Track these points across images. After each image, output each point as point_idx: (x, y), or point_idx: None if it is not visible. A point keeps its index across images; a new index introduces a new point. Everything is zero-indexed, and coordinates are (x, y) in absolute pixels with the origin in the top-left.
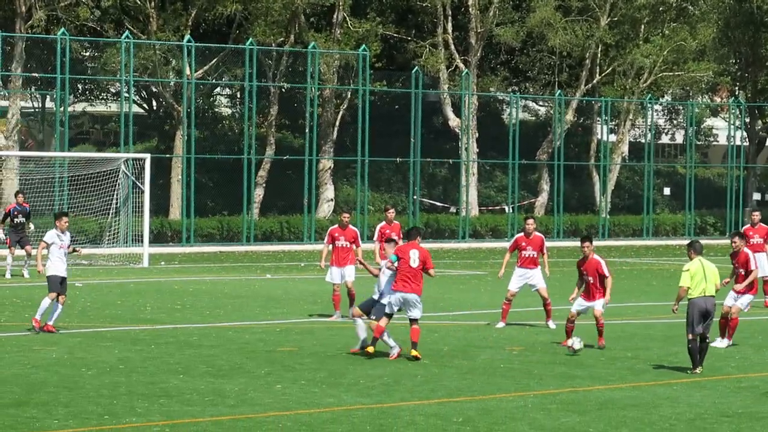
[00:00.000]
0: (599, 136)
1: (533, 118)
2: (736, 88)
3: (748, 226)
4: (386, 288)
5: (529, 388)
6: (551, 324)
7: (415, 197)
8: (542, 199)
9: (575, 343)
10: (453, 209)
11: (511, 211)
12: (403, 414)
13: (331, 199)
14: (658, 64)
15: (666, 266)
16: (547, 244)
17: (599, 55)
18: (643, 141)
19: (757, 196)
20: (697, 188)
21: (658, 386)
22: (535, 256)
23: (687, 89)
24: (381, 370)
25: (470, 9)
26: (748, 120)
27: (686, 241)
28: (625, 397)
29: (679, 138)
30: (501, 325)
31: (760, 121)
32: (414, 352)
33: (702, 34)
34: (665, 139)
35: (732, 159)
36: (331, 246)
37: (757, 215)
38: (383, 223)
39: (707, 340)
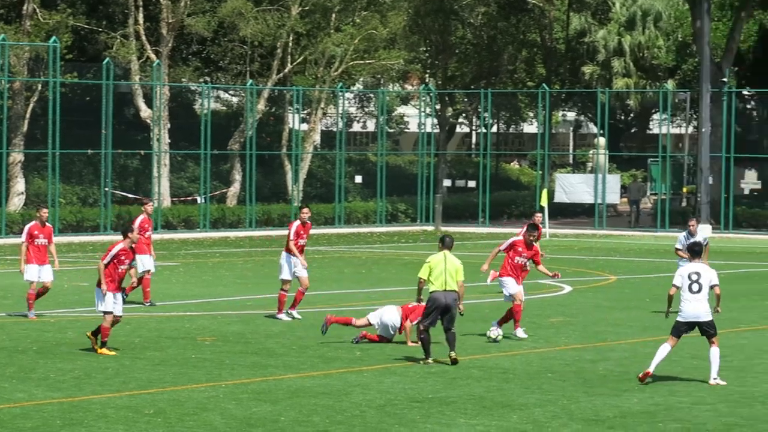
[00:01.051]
0: (291, 125)
1: (225, 108)
2: (427, 75)
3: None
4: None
5: (220, 378)
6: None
7: (106, 189)
8: (234, 188)
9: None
10: (200, 200)
11: (203, 201)
12: (94, 407)
13: (22, 193)
14: (350, 52)
15: (358, 254)
16: (240, 234)
17: (291, 44)
18: (334, 129)
19: (447, 182)
20: (389, 176)
21: (349, 373)
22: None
23: (378, 77)
24: (71, 364)
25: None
26: (438, 107)
27: (378, 229)
28: (317, 385)
29: (371, 126)
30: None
31: (450, 108)
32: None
33: (392, 22)
34: (357, 128)
35: (423, 146)
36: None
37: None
38: (298, 222)
39: (451, 330)
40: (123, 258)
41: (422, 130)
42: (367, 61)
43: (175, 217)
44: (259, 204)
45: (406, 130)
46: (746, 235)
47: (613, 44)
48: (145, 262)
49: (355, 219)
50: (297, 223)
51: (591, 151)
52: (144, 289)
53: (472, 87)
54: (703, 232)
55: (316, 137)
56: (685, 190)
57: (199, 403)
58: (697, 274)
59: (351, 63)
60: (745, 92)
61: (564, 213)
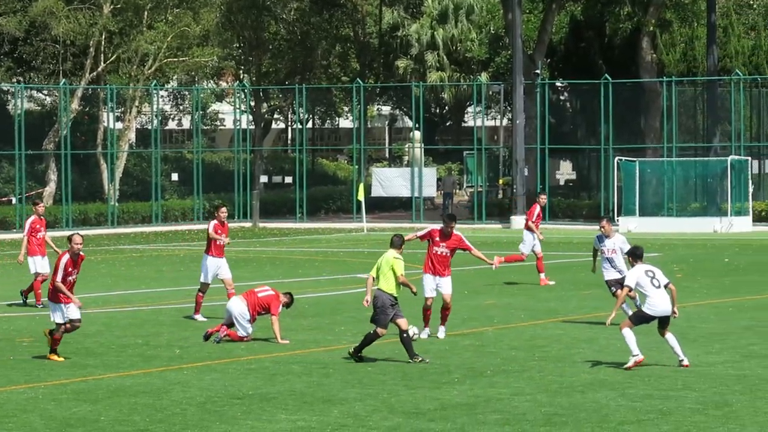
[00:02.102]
0: (106, 124)
1: (39, 107)
2: (241, 72)
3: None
4: None
5: (39, 378)
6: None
7: None
8: (50, 188)
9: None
10: (15, 200)
11: (18, 202)
12: None
13: None
14: (163, 50)
15: (175, 251)
16: (56, 234)
17: (103, 42)
18: (150, 127)
19: (264, 178)
20: (205, 173)
21: (169, 371)
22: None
23: (192, 75)
24: None
25: None
26: (253, 103)
27: (195, 227)
28: (137, 383)
29: (186, 123)
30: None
31: (265, 105)
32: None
33: (205, 19)
34: (172, 125)
35: (239, 143)
36: None
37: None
38: (215, 222)
39: (405, 334)
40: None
41: (238, 127)
42: (181, 59)
43: None
44: (76, 203)
45: (222, 127)
46: (562, 226)
47: (426, 38)
48: (37, 264)
49: (173, 217)
50: (214, 222)
51: (407, 145)
52: (35, 291)
53: (287, 83)
54: (621, 231)
55: (132, 135)
56: (501, 182)
57: (18, 404)
58: (652, 272)
59: (165, 61)
60: (558, 84)
61: (381, 207)
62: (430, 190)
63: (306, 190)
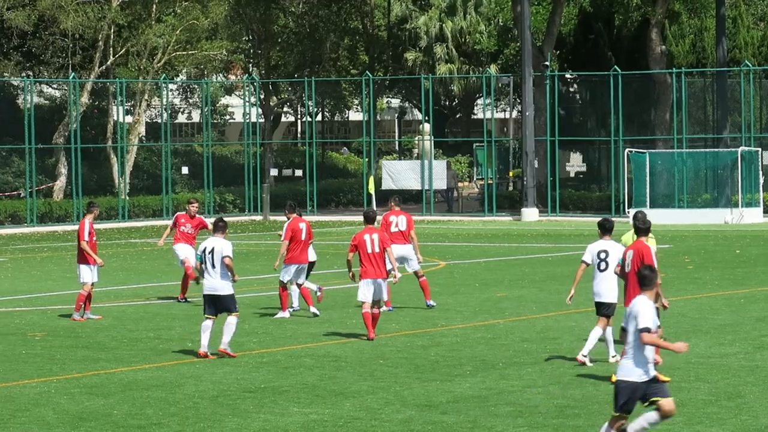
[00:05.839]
0: (116, 118)
1: (49, 102)
2: (250, 65)
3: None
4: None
5: (52, 373)
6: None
7: None
8: (61, 182)
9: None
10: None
11: (29, 196)
12: None
13: None
14: (172, 43)
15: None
16: (68, 228)
17: (112, 36)
18: (159, 121)
19: (274, 171)
20: (215, 166)
21: (182, 365)
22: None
23: (201, 68)
24: None
25: None
26: (262, 97)
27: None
28: (149, 377)
29: (196, 117)
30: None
31: (274, 98)
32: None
33: (214, 12)
34: (182, 119)
35: (248, 136)
36: None
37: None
38: (182, 213)
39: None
40: None
41: (247, 120)
42: (190, 52)
43: (2, 213)
44: (86, 197)
45: (232, 121)
46: (573, 218)
47: (435, 30)
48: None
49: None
50: (181, 213)
51: (416, 138)
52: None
53: (296, 76)
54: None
55: (141, 129)
56: (511, 174)
57: (30, 399)
58: (606, 252)
59: (174, 54)
60: (567, 75)
61: None
62: (440, 182)
63: (316, 183)
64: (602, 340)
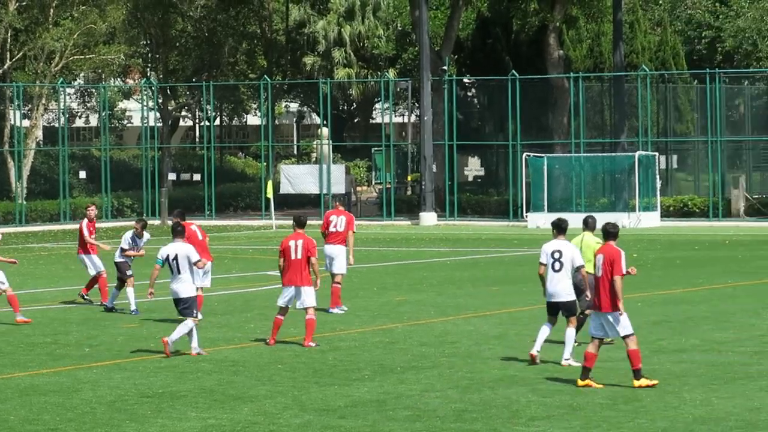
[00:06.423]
0: (12, 122)
1: None
2: (148, 69)
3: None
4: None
5: None
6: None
7: None
8: None
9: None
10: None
11: None
12: None
13: None
14: (69, 47)
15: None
16: None
17: (9, 40)
18: (57, 125)
19: (172, 176)
20: (113, 170)
21: (79, 370)
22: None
23: (99, 72)
24: None
25: None
26: (161, 101)
27: (104, 225)
28: (46, 383)
29: (94, 121)
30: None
31: (173, 102)
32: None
33: (111, 16)
34: (80, 123)
35: (146, 140)
36: None
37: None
38: (86, 221)
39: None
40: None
41: (145, 125)
42: (88, 56)
43: None
44: None
45: (130, 125)
46: (471, 222)
47: (334, 35)
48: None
49: (81, 215)
50: (85, 221)
51: (315, 142)
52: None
53: (194, 80)
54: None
55: (39, 133)
56: (409, 178)
57: None
58: (559, 252)
59: (71, 58)
60: (465, 80)
61: (290, 204)
62: (338, 186)
63: (215, 188)
64: (550, 340)
